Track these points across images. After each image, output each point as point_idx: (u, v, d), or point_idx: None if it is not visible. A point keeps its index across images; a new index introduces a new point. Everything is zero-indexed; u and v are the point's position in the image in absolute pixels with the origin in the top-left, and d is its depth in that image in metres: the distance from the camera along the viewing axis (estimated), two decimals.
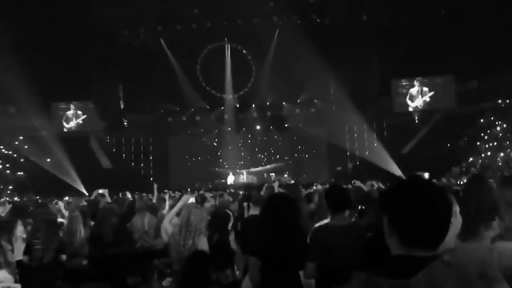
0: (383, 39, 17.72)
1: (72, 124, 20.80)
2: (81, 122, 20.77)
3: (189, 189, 13.13)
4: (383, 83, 18.80)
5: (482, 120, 17.24)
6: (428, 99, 19.42)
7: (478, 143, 16.79)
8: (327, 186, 7.16)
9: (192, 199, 5.89)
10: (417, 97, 19.48)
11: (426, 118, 19.71)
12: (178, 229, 3.91)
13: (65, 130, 20.45)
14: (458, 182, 10.60)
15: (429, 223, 1.25)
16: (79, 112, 20.85)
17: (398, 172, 16.42)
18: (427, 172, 8.67)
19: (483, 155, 16.32)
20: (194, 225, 3.82)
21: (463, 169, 15.58)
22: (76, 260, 5.05)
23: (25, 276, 4.60)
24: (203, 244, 3.83)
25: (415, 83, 19.57)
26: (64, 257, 4.81)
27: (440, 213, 1.27)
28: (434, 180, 7.50)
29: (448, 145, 18.02)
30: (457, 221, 2.08)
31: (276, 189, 7.02)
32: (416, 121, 19.88)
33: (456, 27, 16.68)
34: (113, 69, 19.56)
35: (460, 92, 18.66)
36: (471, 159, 16.50)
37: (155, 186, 8.74)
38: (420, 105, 19.53)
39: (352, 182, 7.09)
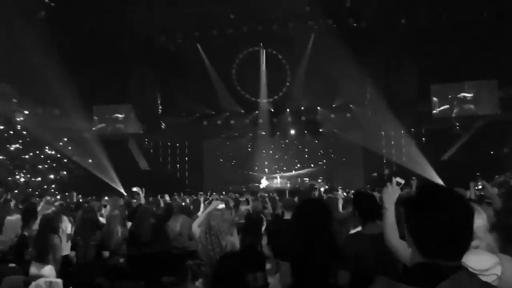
0: (422, 42, 17.24)
1: (113, 126, 21.53)
2: (122, 125, 21.47)
3: (219, 195, 13.12)
4: (421, 88, 18.28)
5: None
6: (470, 106, 18.76)
7: None
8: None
9: (221, 205, 5.93)
10: (459, 104, 18.87)
11: (468, 125, 18.98)
12: (203, 235, 3.95)
13: (107, 132, 21.18)
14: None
15: (451, 234, 1.22)
16: (120, 116, 21.56)
17: (437, 179, 15.90)
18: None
19: None
20: (216, 228, 3.86)
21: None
22: (115, 258, 5.25)
23: (70, 271, 4.82)
24: (230, 243, 3.84)
25: (457, 88, 18.94)
26: (106, 253, 4.98)
27: (460, 225, 1.24)
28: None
29: (491, 152, 17.26)
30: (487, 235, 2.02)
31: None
32: (457, 128, 19.19)
33: (499, 31, 15.98)
34: (152, 73, 20.18)
35: (504, 98, 17.85)
36: None
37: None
38: (456, 112, 18.91)
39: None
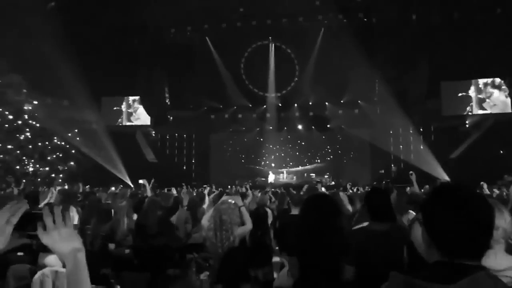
0: (433, 39, 17.03)
1: (121, 118, 21.72)
2: (129, 117, 21.63)
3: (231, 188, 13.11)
4: (431, 85, 18.07)
5: None
6: (481, 104, 18.56)
7: None
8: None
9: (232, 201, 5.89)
10: (469, 101, 18.66)
11: (478, 123, 18.77)
12: (212, 232, 3.86)
13: (115, 124, 21.32)
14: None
15: (472, 233, 1.21)
16: (128, 107, 21.74)
17: (445, 177, 15.76)
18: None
19: None
20: (228, 222, 3.79)
21: None
22: (120, 249, 5.26)
23: None
24: (240, 235, 3.79)
25: (467, 86, 18.69)
26: (112, 246, 4.98)
27: (482, 224, 1.22)
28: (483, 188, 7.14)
29: (501, 151, 17.06)
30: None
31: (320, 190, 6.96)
32: (467, 126, 18.98)
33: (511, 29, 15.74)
34: (160, 66, 20.22)
35: None
36: None
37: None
38: (466, 110, 18.71)
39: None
